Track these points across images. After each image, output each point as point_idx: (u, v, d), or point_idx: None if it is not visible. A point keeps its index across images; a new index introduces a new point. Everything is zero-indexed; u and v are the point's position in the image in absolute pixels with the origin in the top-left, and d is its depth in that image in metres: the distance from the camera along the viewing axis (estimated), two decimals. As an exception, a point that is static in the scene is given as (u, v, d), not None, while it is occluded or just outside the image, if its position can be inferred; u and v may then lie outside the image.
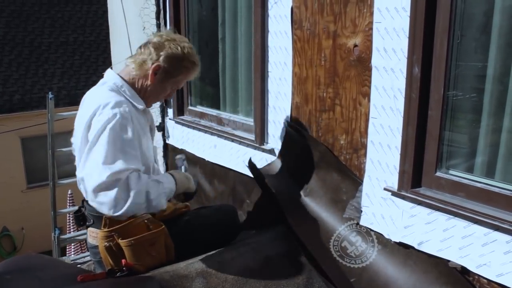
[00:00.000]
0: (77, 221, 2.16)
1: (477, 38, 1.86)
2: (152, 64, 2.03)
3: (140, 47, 2.10)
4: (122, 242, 1.96)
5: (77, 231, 7.21)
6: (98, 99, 1.95)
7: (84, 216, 2.12)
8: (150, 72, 2.04)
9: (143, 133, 2.06)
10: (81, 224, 2.15)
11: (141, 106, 2.07)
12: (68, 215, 8.50)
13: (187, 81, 3.42)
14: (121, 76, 2.08)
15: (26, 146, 12.87)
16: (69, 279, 1.96)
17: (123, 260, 1.95)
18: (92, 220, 2.08)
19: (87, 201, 2.10)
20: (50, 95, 4.63)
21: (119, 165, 1.82)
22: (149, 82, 2.07)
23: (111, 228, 1.98)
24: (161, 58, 2.03)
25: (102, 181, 1.79)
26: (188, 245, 2.15)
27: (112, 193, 1.80)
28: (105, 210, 1.82)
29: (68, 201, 8.58)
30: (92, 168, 1.83)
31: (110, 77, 2.09)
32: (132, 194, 1.82)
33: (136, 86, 2.09)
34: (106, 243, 1.98)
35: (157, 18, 3.58)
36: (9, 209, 12.31)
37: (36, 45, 13.59)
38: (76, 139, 2.01)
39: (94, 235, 2.09)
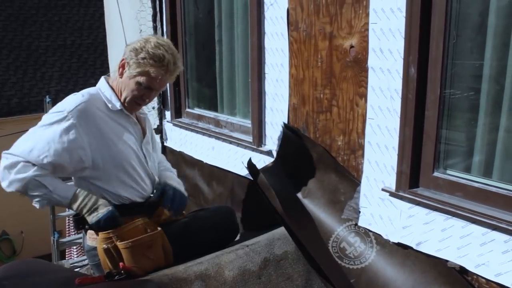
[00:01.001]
0: (76, 224, 2.17)
1: (472, 38, 1.87)
2: (121, 60, 2.14)
3: None
4: (120, 244, 1.99)
5: (77, 234, 7.22)
6: None
7: (83, 219, 2.12)
8: (119, 65, 2.14)
9: (113, 132, 2.11)
10: (80, 227, 2.16)
11: (116, 107, 2.12)
12: (67, 218, 8.49)
13: (176, 84, 3.45)
14: (108, 82, 2.20)
15: (24, 149, 12.86)
16: (67, 284, 1.96)
17: (120, 264, 1.96)
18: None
19: None
20: (48, 99, 4.65)
21: (19, 149, 2.00)
22: (119, 78, 2.15)
23: (110, 230, 2.00)
24: (127, 51, 2.11)
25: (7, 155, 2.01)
26: (186, 248, 2.16)
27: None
28: None
29: (67, 204, 8.56)
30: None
31: (99, 82, 2.21)
32: (8, 179, 1.97)
33: (116, 86, 2.17)
34: (104, 245, 2.00)
35: (154, 21, 3.58)
36: (8, 212, 12.26)
37: (34, 49, 13.58)
38: None
39: (93, 237, 2.11)
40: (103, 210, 2.01)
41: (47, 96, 4.82)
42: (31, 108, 12.67)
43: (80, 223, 2.14)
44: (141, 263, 2.00)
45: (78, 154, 2.00)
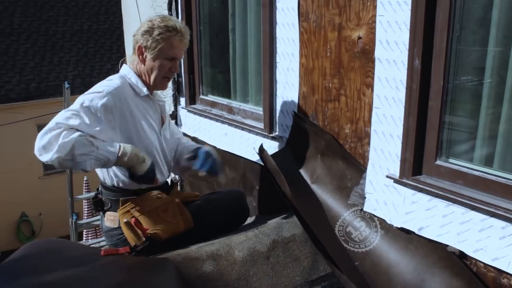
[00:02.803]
0: (95, 206, 2.29)
1: (476, 31, 1.92)
2: (135, 47, 2.23)
3: None
4: (137, 213, 2.13)
5: (93, 216, 7.40)
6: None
7: (102, 201, 2.26)
8: (137, 53, 2.22)
9: (142, 117, 2.21)
10: (99, 209, 2.28)
11: (144, 92, 2.23)
12: (84, 201, 8.71)
13: (191, 71, 3.53)
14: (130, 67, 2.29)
15: (42, 133, 13.09)
16: (93, 258, 2.06)
17: (140, 231, 2.10)
18: (109, 204, 2.23)
19: (103, 186, 2.22)
20: (67, 85, 4.75)
21: (60, 119, 2.00)
22: (142, 65, 2.24)
23: (127, 204, 2.16)
24: (139, 38, 2.20)
25: (46, 127, 1.99)
26: (199, 228, 2.26)
27: (43, 140, 1.96)
28: (35, 151, 1.99)
29: (84, 187, 8.76)
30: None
31: (122, 69, 2.31)
32: (56, 145, 1.93)
33: (138, 72, 2.26)
34: (125, 220, 2.12)
35: (169, 9, 3.66)
36: (27, 195, 12.60)
37: (51, 34, 13.76)
38: None
39: (112, 218, 2.23)
40: (149, 161, 2.12)
41: (66, 82, 4.91)
42: (49, 92, 12.88)
43: (99, 205, 2.26)
44: (161, 226, 2.13)
45: (107, 135, 2.07)
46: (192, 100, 3.64)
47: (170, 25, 2.18)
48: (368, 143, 2.23)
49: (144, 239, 2.07)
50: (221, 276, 1.90)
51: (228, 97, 3.38)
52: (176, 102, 3.84)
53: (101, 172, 2.26)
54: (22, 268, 1.85)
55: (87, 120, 2.01)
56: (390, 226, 2.17)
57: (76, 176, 6.11)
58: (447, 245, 1.96)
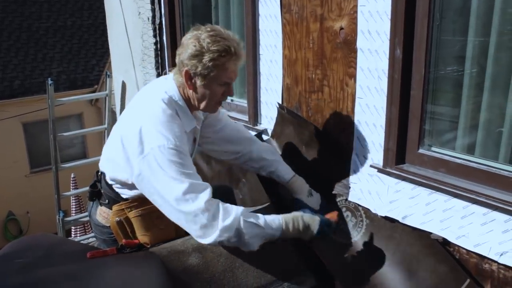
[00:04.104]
0: (91, 195, 2.16)
1: (456, 20, 1.93)
2: (182, 71, 1.89)
3: None
4: (131, 214, 2.02)
5: (81, 213, 7.36)
6: (150, 116, 1.84)
7: (100, 193, 2.13)
8: (184, 80, 1.90)
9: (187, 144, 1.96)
10: (94, 199, 2.16)
11: (189, 128, 1.97)
12: (71, 198, 8.67)
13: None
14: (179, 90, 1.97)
15: (28, 131, 12.98)
16: (79, 255, 2.04)
17: (123, 241, 2.03)
18: (107, 200, 2.10)
19: (106, 182, 2.08)
20: (50, 81, 4.72)
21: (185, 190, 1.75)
22: (189, 91, 1.93)
23: (123, 203, 2.04)
24: (186, 62, 1.86)
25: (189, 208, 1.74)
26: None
27: (198, 222, 1.74)
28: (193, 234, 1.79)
29: (71, 184, 8.71)
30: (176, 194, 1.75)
31: (170, 87, 1.95)
32: (217, 229, 1.73)
33: (185, 96, 1.96)
34: (117, 218, 2.04)
35: (152, 3, 3.64)
36: (14, 193, 12.48)
37: (34, 30, 13.59)
38: (119, 130, 1.98)
39: (105, 216, 2.13)
40: (314, 225, 1.89)
41: (49, 79, 4.88)
42: (34, 90, 12.75)
43: (96, 195, 2.14)
44: (151, 232, 2.05)
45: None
46: (176, 94, 3.62)
47: (223, 48, 1.82)
48: (352, 133, 2.24)
49: (133, 246, 2.01)
50: (207, 268, 1.91)
51: (213, 90, 3.36)
52: (161, 97, 3.82)
53: (111, 177, 2.08)
54: (9, 267, 1.84)
55: (190, 168, 1.82)
56: (375, 215, 2.18)
57: (63, 173, 6.07)
58: (430, 233, 1.99)
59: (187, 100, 1.96)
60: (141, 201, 2.01)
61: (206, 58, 1.82)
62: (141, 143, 1.79)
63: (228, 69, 1.87)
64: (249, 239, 1.78)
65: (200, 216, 1.72)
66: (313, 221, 1.89)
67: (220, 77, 1.88)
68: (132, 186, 1.95)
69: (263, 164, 2.27)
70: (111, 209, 2.10)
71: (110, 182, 2.06)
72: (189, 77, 1.88)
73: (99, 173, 2.14)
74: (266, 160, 2.27)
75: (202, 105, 1.95)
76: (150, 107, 1.87)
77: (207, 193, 1.77)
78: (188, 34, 1.90)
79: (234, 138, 2.28)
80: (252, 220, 1.79)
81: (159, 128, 1.80)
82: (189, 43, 1.86)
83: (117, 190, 2.06)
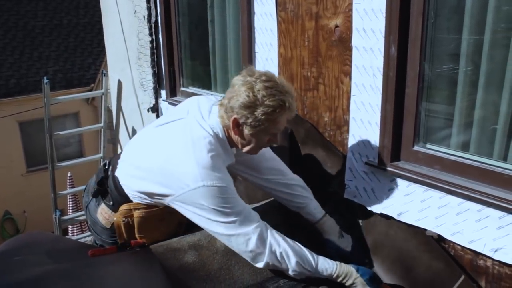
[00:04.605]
0: (96, 193, 2.12)
1: (450, 18, 1.94)
2: (230, 116, 1.84)
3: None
4: (136, 213, 1.99)
5: (78, 211, 7.35)
6: (201, 150, 1.82)
7: (106, 193, 2.09)
8: (231, 125, 1.85)
9: None
10: (97, 196, 2.12)
11: (228, 163, 1.93)
12: (68, 196, 8.66)
13: (171, 64, 3.51)
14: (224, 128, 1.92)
15: (24, 130, 12.97)
16: (77, 253, 2.04)
17: (132, 242, 2.00)
18: (112, 202, 2.07)
19: (116, 184, 2.04)
20: (45, 80, 4.71)
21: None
22: (234, 135, 1.90)
23: (132, 203, 2.01)
24: (236, 110, 1.81)
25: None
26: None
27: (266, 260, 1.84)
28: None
29: (68, 183, 8.70)
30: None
31: (215, 123, 1.91)
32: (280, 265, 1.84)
33: (228, 134, 1.93)
34: (124, 219, 1.99)
35: (148, 1, 3.63)
36: (10, 193, 12.47)
37: (30, 28, 13.56)
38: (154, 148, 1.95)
39: (106, 216, 2.09)
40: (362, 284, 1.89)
41: (45, 77, 4.87)
42: (30, 88, 12.73)
43: (101, 193, 2.10)
44: (150, 234, 2.02)
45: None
46: (172, 92, 3.63)
47: (278, 104, 1.78)
48: (347, 131, 2.25)
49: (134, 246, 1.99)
50: (203, 266, 1.91)
51: (209, 88, 3.37)
52: (157, 95, 3.83)
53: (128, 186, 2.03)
54: (6, 264, 1.84)
55: (239, 203, 1.84)
56: (370, 212, 2.19)
57: (60, 172, 6.07)
58: (425, 230, 2.00)
59: (228, 137, 1.93)
60: (148, 204, 2.01)
61: (259, 111, 1.79)
62: (191, 178, 1.78)
63: (279, 122, 1.85)
64: (294, 275, 1.86)
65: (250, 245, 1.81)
66: (363, 286, 1.88)
67: (269, 129, 1.85)
68: (152, 196, 1.93)
69: (294, 196, 2.20)
70: (114, 211, 2.06)
71: (132, 192, 2.01)
72: (236, 124, 1.84)
73: (108, 171, 2.10)
74: (298, 195, 2.20)
75: (245, 149, 1.93)
76: (200, 142, 1.84)
77: (257, 231, 1.82)
78: (240, 78, 1.85)
79: (265, 168, 2.19)
80: (303, 266, 1.84)
81: (210, 165, 1.79)
82: (241, 90, 1.80)
83: (132, 197, 2.01)
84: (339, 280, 1.89)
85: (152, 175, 1.89)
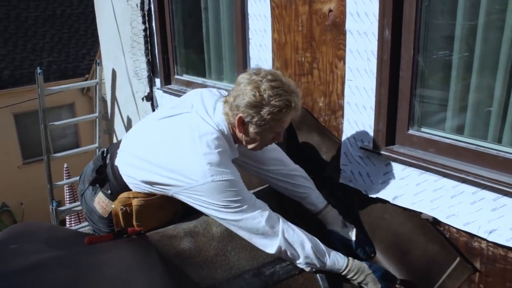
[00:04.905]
0: (94, 181, 2.09)
1: (444, 1, 1.93)
2: (236, 114, 1.85)
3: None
4: (134, 201, 1.99)
5: (75, 202, 7.35)
6: (209, 146, 1.83)
7: (104, 182, 2.08)
8: (236, 123, 1.86)
9: None
10: (95, 183, 2.09)
11: (232, 157, 1.95)
12: (65, 187, 8.65)
13: (165, 51, 3.49)
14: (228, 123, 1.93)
15: (19, 122, 12.92)
16: (74, 241, 2.03)
17: (129, 229, 2.01)
18: (110, 191, 2.06)
19: (115, 172, 2.04)
20: (39, 70, 4.69)
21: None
22: (239, 133, 1.91)
23: (131, 192, 2.01)
24: (242, 109, 1.82)
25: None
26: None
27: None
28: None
29: (64, 174, 8.70)
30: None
31: (220, 121, 1.91)
32: (295, 252, 1.86)
33: (233, 132, 1.94)
34: (123, 207, 1.99)
35: (140, -11, 3.60)
36: (7, 185, 12.46)
37: (23, 19, 13.44)
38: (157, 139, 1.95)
39: (103, 205, 2.08)
40: (372, 287, 1.89)
41: (38, 68, 4.84)
42: (24, 80, 12.66)
43: (99, 182, 2.08)
44: (147, 222, 2.02)
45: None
46: (167, 80, 3.61)
47: (284, 104, 1.80)
48: (342, 116, 2.24)
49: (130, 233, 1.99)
50: (199, 252, 1.91)
51: (203, 75, 3.36)
52: (151, 83, 3.81)
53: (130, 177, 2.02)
54: (0, 254, 1.84)
55: (248, 195, 1.87)
56: (366, 196, 2.20)
57: (56, 164, 6.06)
58: (421, 213, 2.00)
59: (233, 134, 1.94)
60: (148, 192, 2.00)
61: (265, 111, 1.80)
62: (200, 173, 1.79)
63: (285, 121, 1.88)
64: (306, 263, 1.88)
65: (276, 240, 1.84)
66: (375, 284, 1.88)
67: (275, 128, 1.88)
68: (154, 185, 1.93)
69: (296, 186, 2.20)
70: (111, 200, 2.05)
71: (133, 181, 2.00)
72: (242, 123, 1.86)
73: (106, 160, 2.09)
74: (300, 185, 2.20)
75: (250, 146, 1.96)
76: (207, 138, 1.84)
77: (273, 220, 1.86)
78: (246, 76, 1.85)
79: (267, 159, 2.19)
80: (316, 257, 1.86)
81: (218, 161, 1.80)
82: (247, 90, 1.80)
83: (133, 186, 2.01)
84: (349, 275, 1.89)
85: (158, 168, 1.89)
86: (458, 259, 1.90)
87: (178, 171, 1.84)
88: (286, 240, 1.85)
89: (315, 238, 1.90)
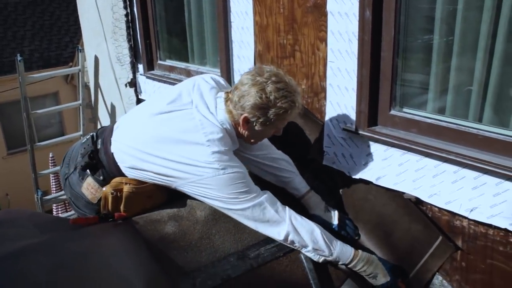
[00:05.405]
0: (85, 166, 2.06)
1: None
2: (241, 114, 1.89)
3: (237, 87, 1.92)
4: (126, 187, 1.98)
5: (61, 190, 7.30)
6: (217, 143, 1.86)
7: (96, 167, 2.05)
8: (240, 121, 1.91)
9: None
10: (85, 169, 2.06)
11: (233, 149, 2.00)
12: (51, 175, 8.57)
13: (147, 37, 3.46)
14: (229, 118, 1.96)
15: (3, 112, 12.74)
16: (57, 226, 2.01)
17: (115, 214, 1.99)
18: (102, 177, 2.04)
19: (110, 159, 2.03)
20: (19, 57, 4.61)
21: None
22: (243, 130, 1.95)
23: (124, 177, 2.01)
24: (247, 109, 1.87)
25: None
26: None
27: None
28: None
29: (50, 164, 8.62)
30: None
31: (223, 118, 1.94)
32: (304, 239, 1.89)
33: (235, 127, 1.97)
34: (113, 192, 1.97)
35: (120, -28, 3.54)
36: (-9, 176, 12.33)
37: (2, 6, 13.17)
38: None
39: (92, 191, 2.05)
40: (382, 279, 1.89)
41: (18, 55, 4.76)
42: (5, 69, 12.44)
43: (90, 168, 2.06)
44: (134, 209, 2.01)
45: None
46: (150, 66, 3.58)
47: (290, 106, 1.86)
48: (325, 98, 2.24)
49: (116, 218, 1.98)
50: (184, 236, 1.91)
51: (186, 60, 3.33)
52: (134, 69, 3.77)
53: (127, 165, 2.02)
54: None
55: (250, 184, 1.90)
56: (349, 177, 2.21)
57: (41, 153, 6.00)
58: (403, 193, 2.02)
59: (235, 128, 1.98)
60: (137, 180, 2.01)
61: (271, 112, 1.86)
62: (209, 165, 1.83)
63: (288, 119, 1.95)
64: (315, 251, 1.90)
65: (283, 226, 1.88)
66: (384, 276, 1.89)
67: (278, 125, 1.95)
68: (157, 175, 1.94)
69: (279, 170, 2.22)
70: (101, 185, 2.03)
71: (118, 161, 2.01)
72: (246, 122, 1.91)
73: (97, 145, 2.07)
74: (284, 169, 2.22)
75: (251, 141, 2.03)
76: (213, 136, 1.87)
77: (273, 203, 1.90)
78: (249, 77, 1.88)
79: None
80: (324, 238, 1.89)
81: (226, 158, 1.85)
82: (252, 91, 1.84)
83: (128, 173, 2.01)
84: (358, 267, 1.90)
85: (165, 161, 1.89)
86: (440, 238, 1.92)
87: (186, 169, 1.87)
88: (293, 226, 1.88)
89: (322, 227, 1.93)
